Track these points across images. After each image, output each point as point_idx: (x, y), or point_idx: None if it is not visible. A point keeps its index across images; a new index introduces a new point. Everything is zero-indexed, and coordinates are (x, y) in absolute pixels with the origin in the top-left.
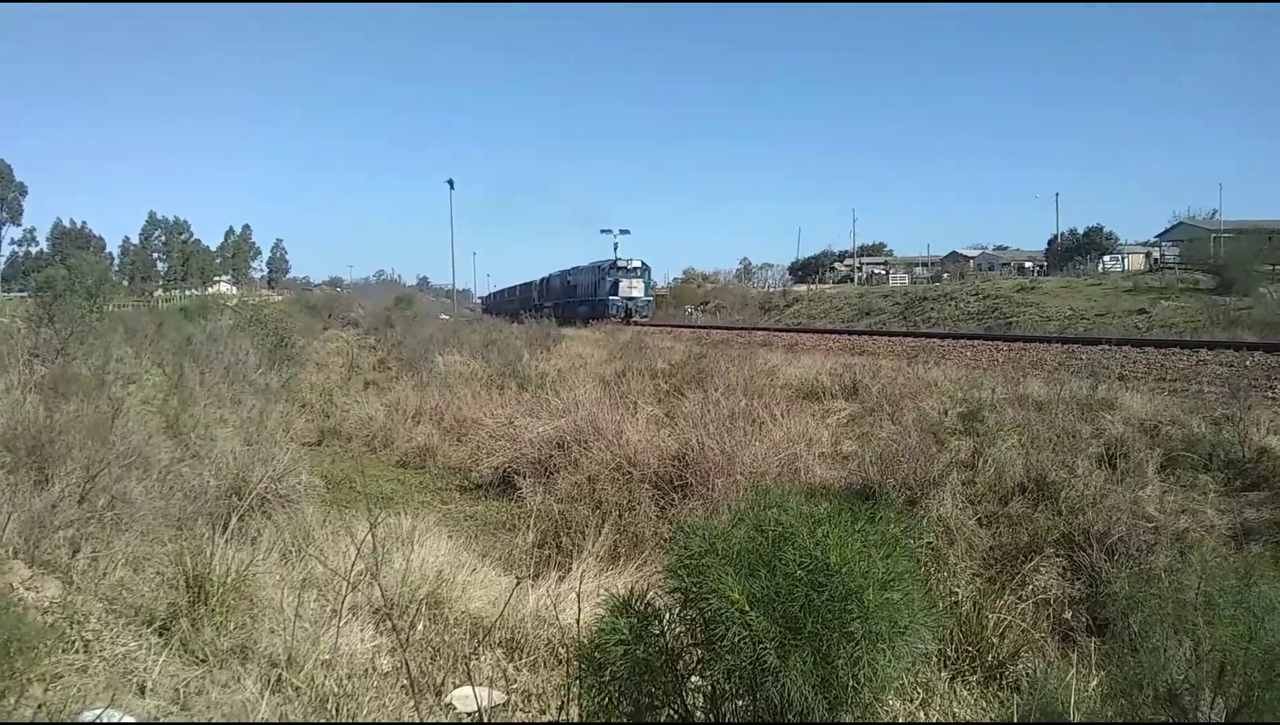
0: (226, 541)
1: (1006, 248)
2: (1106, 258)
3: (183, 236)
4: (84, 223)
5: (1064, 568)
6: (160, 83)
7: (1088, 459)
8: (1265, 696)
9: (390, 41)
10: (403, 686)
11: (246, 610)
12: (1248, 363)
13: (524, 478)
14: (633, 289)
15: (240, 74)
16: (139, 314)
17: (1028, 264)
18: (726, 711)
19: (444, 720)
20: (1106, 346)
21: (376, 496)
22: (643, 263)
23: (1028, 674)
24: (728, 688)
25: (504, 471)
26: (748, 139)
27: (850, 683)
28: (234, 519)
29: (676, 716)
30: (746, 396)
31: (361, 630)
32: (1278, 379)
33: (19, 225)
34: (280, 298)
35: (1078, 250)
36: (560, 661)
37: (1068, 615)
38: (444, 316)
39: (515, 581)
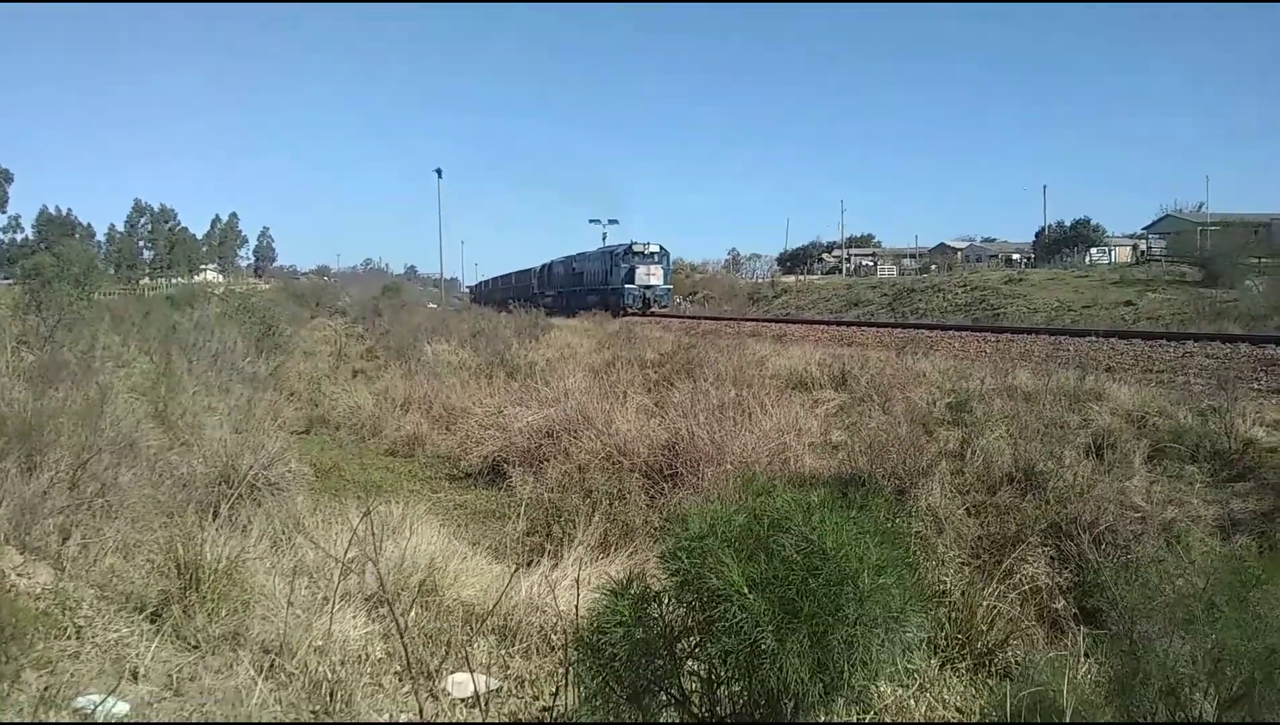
0: (217, 529)
1: (994, 240)
2: (1094, 250)
3: (169, 224)
4: (70, 210)
5: (1052, 557)
6: (147, 70)
7: (1075, 449)
8: (1264, 693)
9: (379, 28)
10: (396, 673)
11: (238, 597)
12: (1234, 355)
13: (513, 467)
14: (651, 276)
15: (227, 62)
16: (126, 302)
17: (1015, 256)
18: (722, 695)
19: (441, 705)
20: (1094, 338)
21: (365, 485)
22: (661, 247)
23: (1017, 661)
24: (724, 672)
25: (493, 460)
26: (737, 130)
27: (844, 666)
28: (224, 506)
29: (673, 699)
30: (736, 386)
31: (354, 617)
32: (1264, 371)
33: (4, 212)
34: (267, 286)
35: (1065, 242)
36: (553, 648)
37: (1057, 605)
38: (432, 305)
39: (512, 569)
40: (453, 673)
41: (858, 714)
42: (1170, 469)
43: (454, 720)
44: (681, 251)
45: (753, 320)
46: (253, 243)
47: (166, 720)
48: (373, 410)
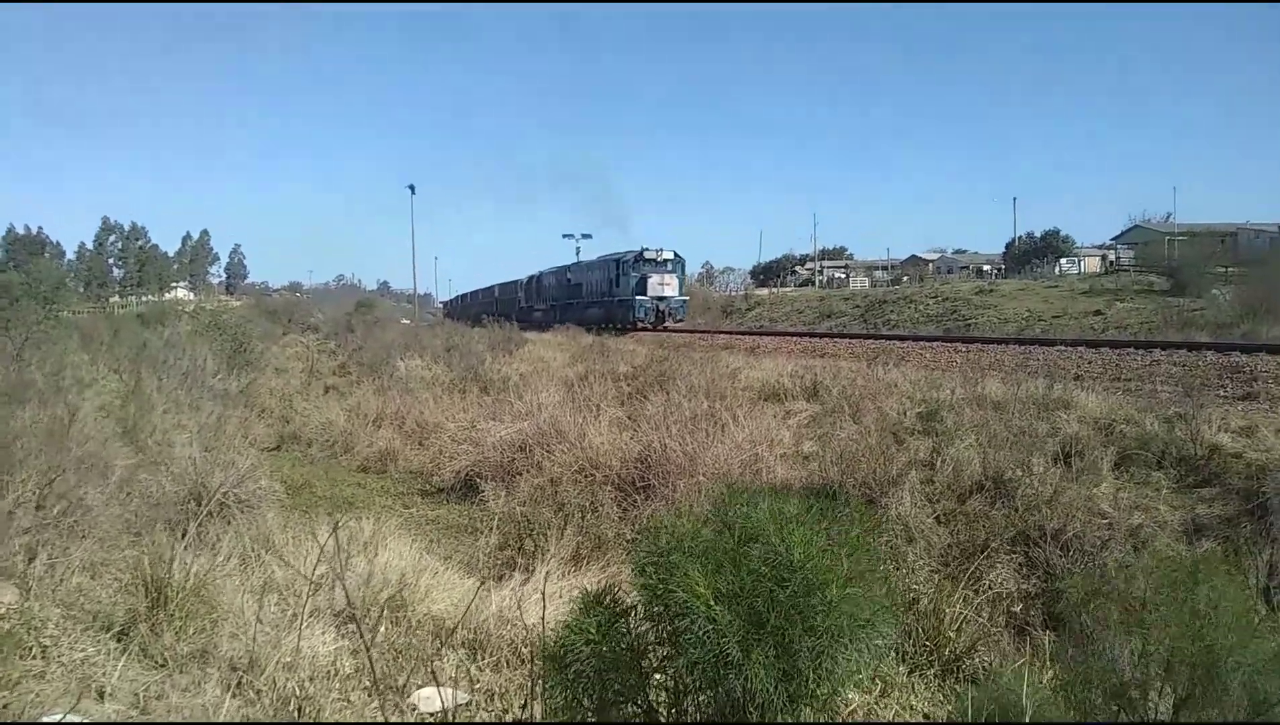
0: (186, 547)
1: (965, 251)
2: (1063, 260)
3: (139, 242)
4: (40, 228)
5: (1020, 564)
6: (117, 87)
7: (1044, 457)
8: (1210, 693)
9: (351, 43)
10: (365, 688)
11: (206, 615)
12: (1200, 363)
13: (486, 481)
14: (665, 286)
15: (198, 77)
16: (95, 320)
17: (986, 267)
18: (689, 706)
19: (408, 720)
20: (1063, 347)
21: (337, 501)
22: (675, 254)
23: (985, 667)
24: (690, 682)
25: (466, 475)
26: (710, 145)
27: (811, 676)
28: (193, 525)
29: (640, 711)
30: (709, 398)
31: (323, 633)
32: (1229, 378)
33: None
34: (239, 303)
35: (1035, 253)
36: (523, 661)
37: (1024, 611)
38: (405, 321)
39: (479, 583)
40: (420, 687)
41: (825, 719)
42: (1137, 475)
43: None
44: None
45: (726, 332)
46: (224, 260)
47: None
48: (345, 426)
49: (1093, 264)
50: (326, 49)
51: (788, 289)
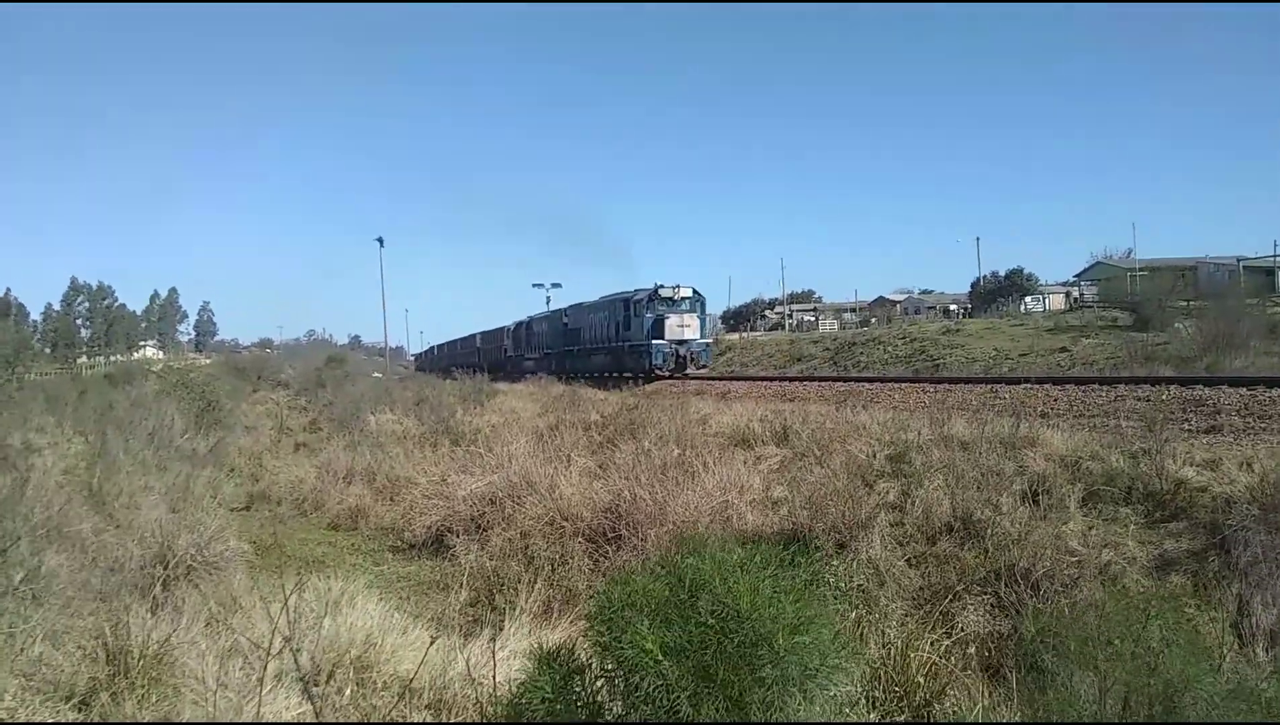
0: (150, 612)
1: (931, 291)
2: (1028, 298)
3: (106, 301)
4: (8, 290)
5: (991, 605)
6: (80, 144)
7: (1012, 496)
8: None
9: (316, 91)
10: None
11: (169, 682)
12: (1164, 397)
13: (457, 536)
14: (685, 328)
15: (162, 131)
16: (61, 381)
17: (952, 306)
18: None
19: None
20: (1029, 385)
21: (307, 560)
22: (695, 291)
23: (954, 711)
24: None
25: (437, 530)
26: (675, 189)
27: None
28: (158, 588)
29: None
30: (679, 445)
31: (287, 697)
32: (1193, 411)
33: None
34: (208, 361)
35: (1000, 292)
36: (490, 721)
37: (989, 650)
38: (377, 375)
39: (450, 640)
40: None
41: None
42: (1105, 512)
43: None
44: None
45: (697, 378)
46: (193, 317)
47: None
48: (315, 483)
49: (1057, 301)
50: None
51: (758, 333)
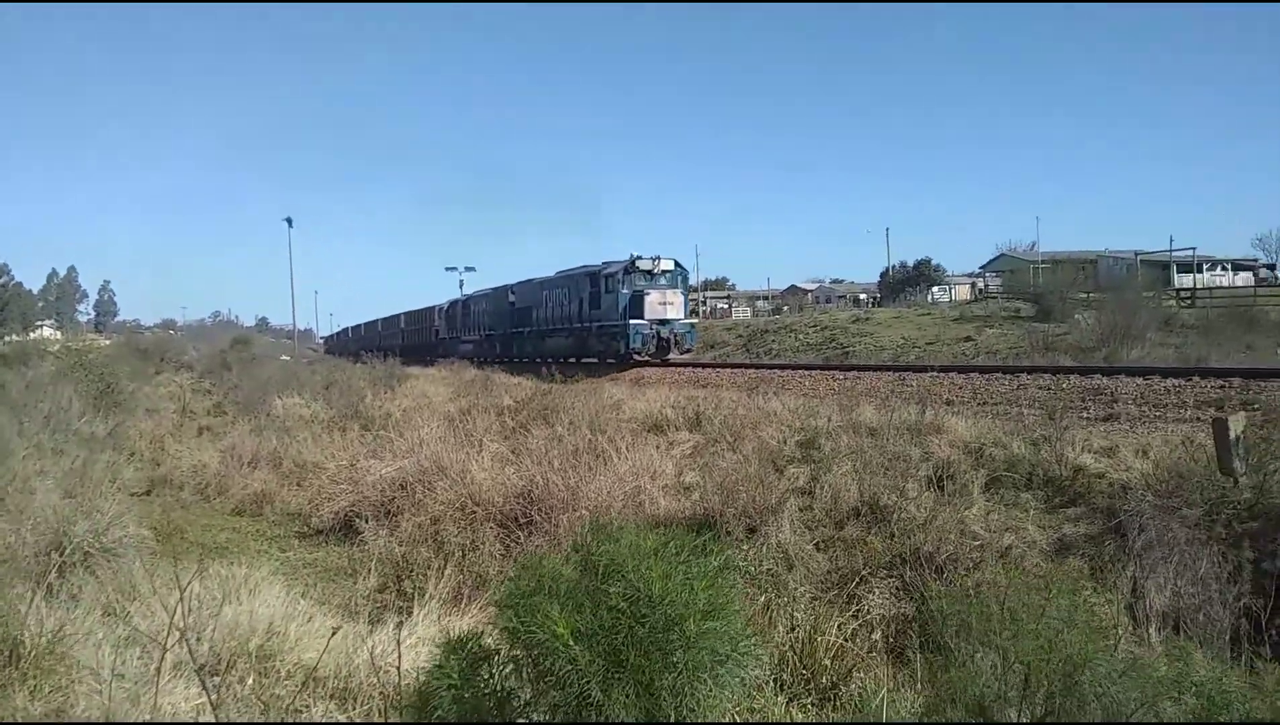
0: (44, 600)
1: (843, 281)
2: (935, 288)
3: (1, 280)
4: None
5: (896, 588)
6: None
7: (918, 482)
8: (1066, 704)
9: (230, 62)
10: None
11: (64, 673)
12: (1064, 385)
13: (366, 521)
14: (668, 307)
15: (66, 102)
16: None
17: (862, 296)
18: None
19: None
20: (935, 373)
21: (210, 546)
22: (677, 263)
23: (860, 693)
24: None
25: (345, 516)
26: (595, 172)
27: (673, 715)
28: (54, 575)
29: None
30: (592, 431)
31: (186, 688)
32: (1091, 400)
33: None
34: (108, 342)
35: (908, 282)
36: (396, 709)
37: (893, 632)
38: (285, 357)
39: (355, 628)
40: None
41: None
42: (1007, 497)
43: None
44: None
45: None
46: (93, 297)
47: None
48: (219, 468)
49: (963, 291)
50: (208, 70)
51: None
